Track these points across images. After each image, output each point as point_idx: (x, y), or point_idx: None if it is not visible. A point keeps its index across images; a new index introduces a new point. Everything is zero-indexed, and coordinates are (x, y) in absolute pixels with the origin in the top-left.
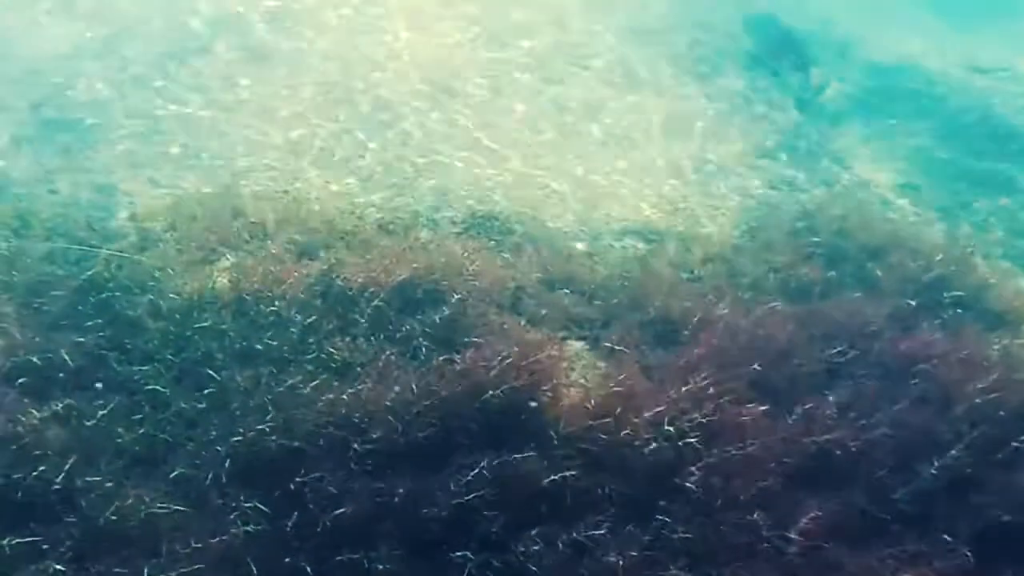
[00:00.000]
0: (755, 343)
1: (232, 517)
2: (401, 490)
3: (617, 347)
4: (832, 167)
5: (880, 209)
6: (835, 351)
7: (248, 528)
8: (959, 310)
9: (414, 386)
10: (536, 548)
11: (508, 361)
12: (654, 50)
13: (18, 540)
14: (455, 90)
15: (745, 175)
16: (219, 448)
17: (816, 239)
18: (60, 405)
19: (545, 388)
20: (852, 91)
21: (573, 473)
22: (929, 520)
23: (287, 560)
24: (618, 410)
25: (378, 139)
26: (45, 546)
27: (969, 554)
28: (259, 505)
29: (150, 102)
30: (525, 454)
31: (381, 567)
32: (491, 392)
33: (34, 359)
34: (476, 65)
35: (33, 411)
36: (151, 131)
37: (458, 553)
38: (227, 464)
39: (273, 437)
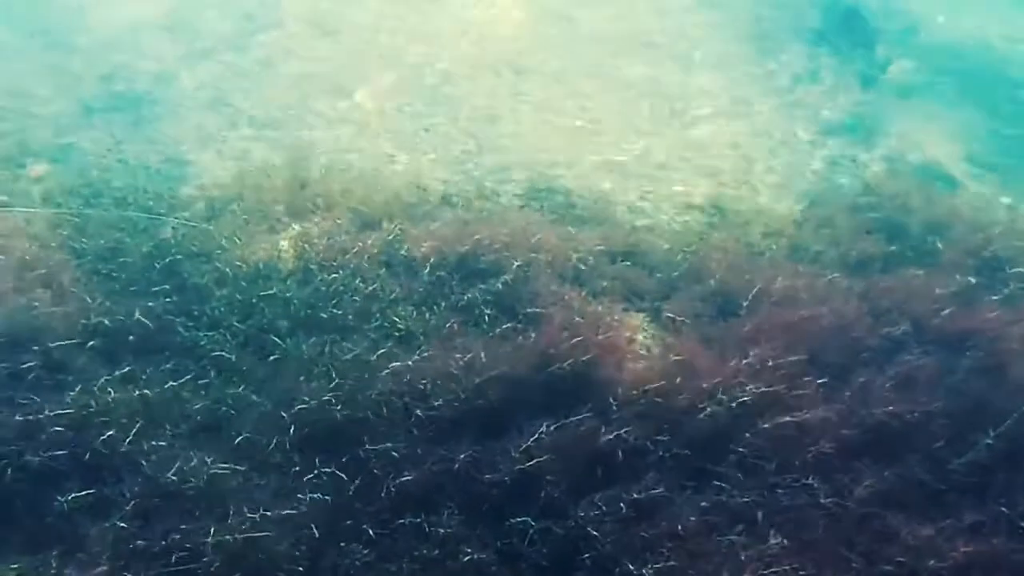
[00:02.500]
0: (814, 316)
1: (295, 481)
2: (463, 456)
3: (677, 319)
4: (895, 143)
5: (943, 185)
6: (894, 325)
7: (312, 493)
8: (1020, 285)
9: (478, 354)
10: (596, 513)
11: (569, 330)
12: (718, 25)
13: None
14: (520, 65)
15: (808, 151)
16: (283, 414)
17: (877, 214)
18: (128, 369)
19: (606, 357)
20: (917, 68)
21: (632, 438)
22: (985, 491)
23: (349, 523)
24: (677, 379)
25: (443, 113)
26: (110, 505)
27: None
28: (323, 470)
29: (218, 74)
30: (585, 419)
31: (442, 532)
32: (553, 361)
33: (105, 322)
34: (541, 41)
35: (104, 375)
36: (219, 103)
37: (519, 519)
38: (291, 430)
39: (337, 404)
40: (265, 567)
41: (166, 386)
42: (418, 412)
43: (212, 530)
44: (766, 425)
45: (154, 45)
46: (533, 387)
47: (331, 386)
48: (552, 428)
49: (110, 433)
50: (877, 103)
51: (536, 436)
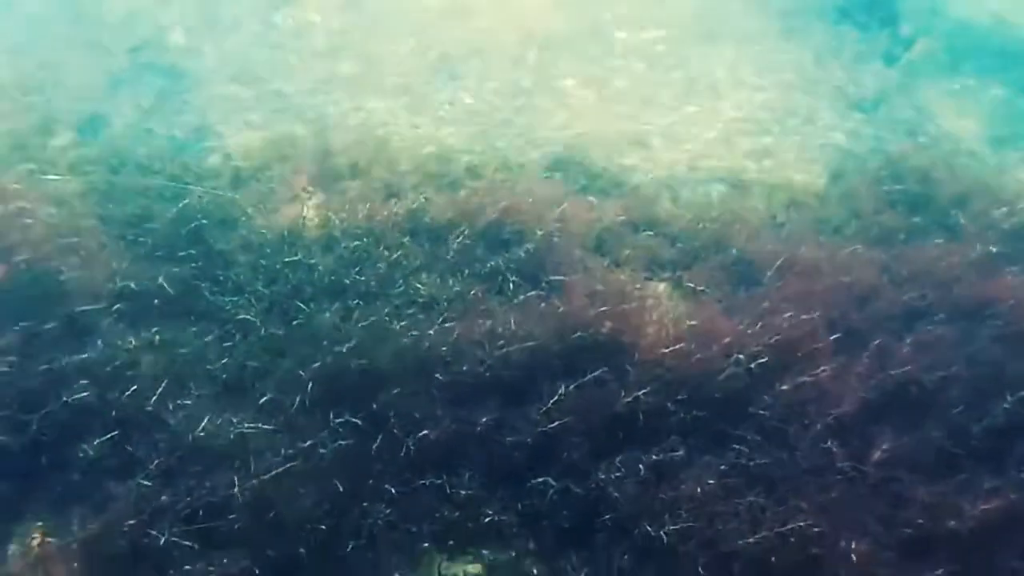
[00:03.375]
0: (835, 285)
1: (318, 440)
2: (485, 419)
3: (699, 288)
4: (918, 119)
5: (965, 159)
6: (914, 294)
7: (334, 453)
8: None
9: (501, 320)
10: (617, 475)
11: (591, 298)
12: (743, 1)
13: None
14: (546, 38)
15: (831, 125)
16: (306, 376)
17: (900, 187)
18: (154, 331)
19: (627, 324)
20: (940, 46)
21: (652, 401)
22: (1004, 456)
23: (371, 483)
24: (696, 344)
25: (469, 84)
26: (135, 462)
27: None
28: (345, 430)
29: (245, 46)
30: (606, 383)
31: (463, 493)
32: (575, 327)
33: (131, 285)
34: (566, 14)
35: (129, 336)
36: (245, 74)
37: (539, 479)
38: (313, 391)
39: (359, 367)
40: (289, 525)
41: (191, 348)
42: (438, 375)
43: (236, 488)
44: (784, 387)
45: (181, 17)
46: (555, 353)
47: (354, 349)
48: (572, 391)
49: (134, 388)
50: (900, 80)
51: (556, 399)
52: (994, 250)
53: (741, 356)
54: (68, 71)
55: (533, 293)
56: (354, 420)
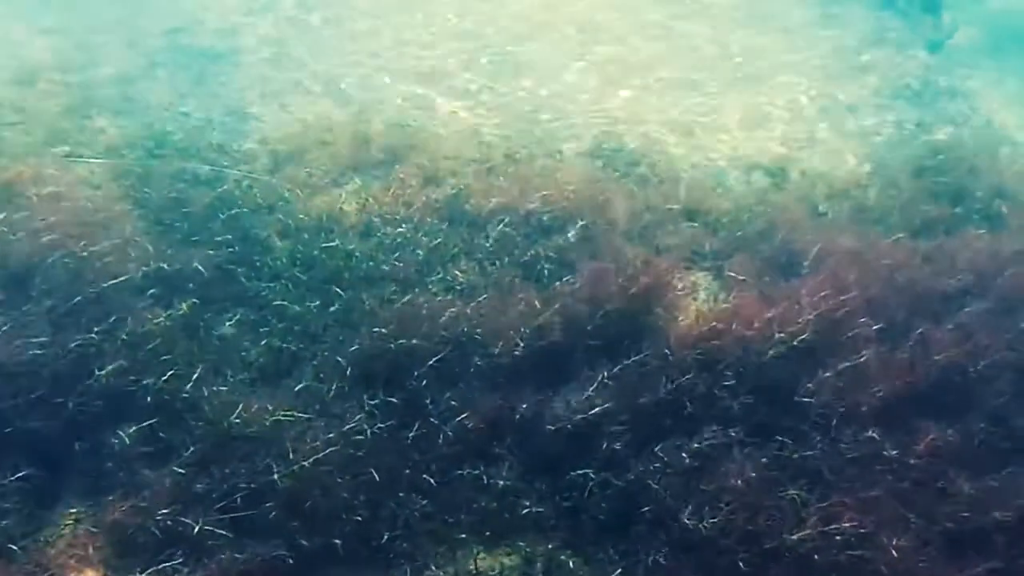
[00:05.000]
0: (877, 275)
1: (355, 428)
2: (523, 405)
3: (740, 277)
4: (961, 108)
5: (1008, 149)
6: (957, 283)
7: (372, 441)
8: None
9: (539, 308)
10: (656, 465)
11: (632, 287)
12: None
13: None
14: (584, 25)
15: (873, 114)
16: (343, 361)
17: (943, 178)
18: (189, 316)
19: (667, 312)
20: (983, 34)
21: (693, 386)
22: None
23: (408, 471)
24: (737, 332)
25: (508, 71)
26: (169, 448)
27: None
28: (382, 416)
29: (283, 31)
30: (646, 370)
31: (501, 483)
32: (614, 316)
33: (165, 267)
34: (605, 1)
35: (163, 319)
36: (283, 58)
37: (578, 472)
38: (350, 376)
39: (397, 352)
40: (324, 515)
41: (227, 333)
42: (477, 362)
43: (273, 476)
44: (828, 373)
45: (219, 1)
46: (594, 340)
47: (391, 334)
48: (612, 377)
49: (170, 373)
50: (943, 68)
51: (596, 385)
52: None
53: (782, 335)
54: (105, 53)
55: (572, 280)
56: (391, 408)
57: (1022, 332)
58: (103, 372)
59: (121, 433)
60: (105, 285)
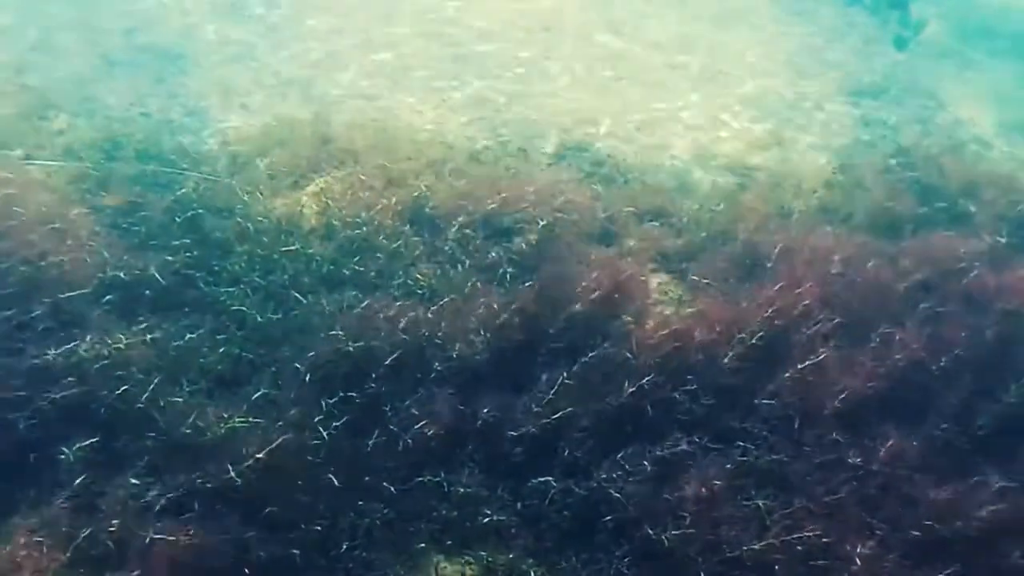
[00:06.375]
0: (840, 275)
1: (314, 435)
2: (484, 410)
3: (704, 280)
4: (928, 105)
5: (975, 148)
6: (922, 283)
7: (330, 448)
8: None
9: (499, 311)
10: (619, 473)
11: (594, 290)
12: None
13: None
14: (550, 24)
15: (840, 112)
16: (301, 367)
17: (909, 175)
18: (146, 324)
19: (630, 314)
20: (951, 30)
21: (656, 390)
22: (1011, 452)
23: (367, 479)
24: (697, 330)
25: (472, 70)
26: (123, 459)
27: None
28: (341, 423)
29: (244, 30)
30: (608, 371)
31: (462, 491)
32: (576, 319)
33: (122, 275)
34: (573, 1)
35: (119, 330)
36: (245, 58)
37: (540, 479)
38: (309, 383)
39: (357, 357)
40: (282, 524)
41: (184, 341)
42: (437, 367)
43: (228, 485)
44: (788, 373)
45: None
46: (555, 344)
47: (351, 340)
48: (573, 381)
49: (126, 388)
50: (911, 65)
51: (557, 388)
52: (1003, 240)
53: (744, 336)
54: (63, 53)
55: (533, 284)
56: (350, 414)
57: (985, 331)
58: (57, 384)
59: (74, 445)
60: (61, 296)
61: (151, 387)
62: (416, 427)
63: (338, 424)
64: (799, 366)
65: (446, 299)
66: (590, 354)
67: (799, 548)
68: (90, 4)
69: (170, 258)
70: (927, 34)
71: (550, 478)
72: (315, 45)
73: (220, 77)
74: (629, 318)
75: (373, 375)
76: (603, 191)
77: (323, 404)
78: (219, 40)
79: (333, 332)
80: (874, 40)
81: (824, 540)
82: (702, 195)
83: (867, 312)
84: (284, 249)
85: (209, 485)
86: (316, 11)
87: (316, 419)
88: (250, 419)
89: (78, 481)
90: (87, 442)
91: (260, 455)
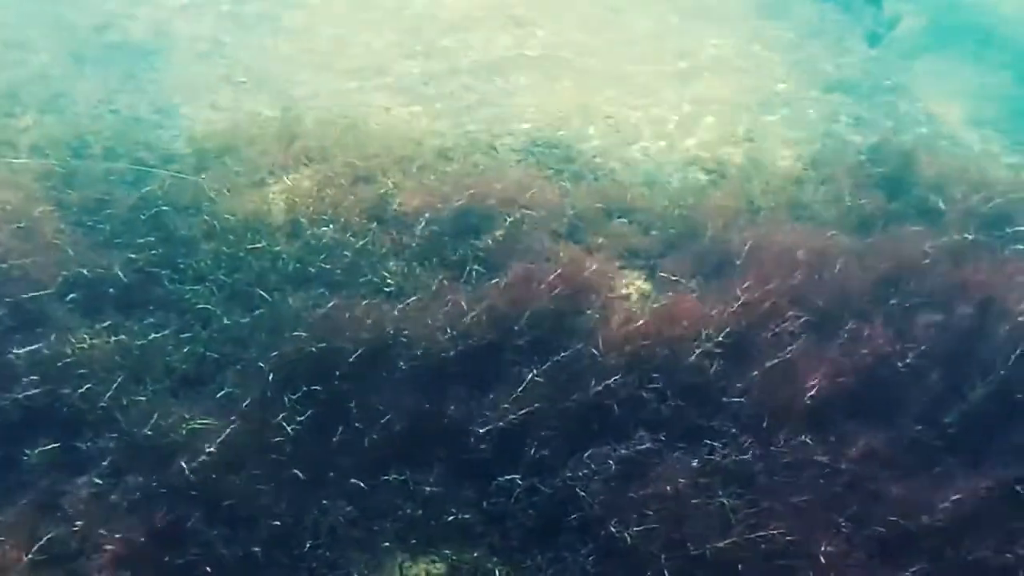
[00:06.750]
0: (809, 271)
1: (277, 433)
2: (450, 408)
3: (672, 277)
4: (900, 101)
5: (947, 144)
6: (890, 279)
7: (295, 446)
8: (1019, 244)
9: (466, 308)
10: (585, 472)
11: (561, 287)
12: None
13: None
14: (520, 18)
15: (812, 108)
16: (267, 365)
17: (880, 171)
18: (110, 323)
19: (597, 313)
20: (925, 26)
21: (623, 388)
22: (975, 448)
23: (332, 476)
24: (665, 328)
25: (442, 66)
26: (87, 459)
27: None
28: (305, 421)
29: (215, 26)
30: (575, 369)
31: (427, 489)
32: (543, 316)
33: (85, 273)
34: None
35: (83, 329)
36: (215, 54)
37: (505, 477)
38: (273, 381)
39: (322, 356)
40: (245, 522)
41: (147, 340)
42: (403, 365)
43: (191, 484)
44: (755, 372)
45: None
46: (522, 341)
47: (317, 338)
48: (540, 378)
49: (89, 387)
50: (883, 61)
51: (524, 386)
52: (970, 237)
53: (710, 331)
54: (33, 50)
55: (500, 281)
56: (315, 412)
57: (953, 327)
58: (19, 384)
59: (37, 444)
60: (24, 296)
61: (114, 386)
62: (381, 424)
63: (302, 420)
64: (767, 364)
65: (413, 297)
66: (560, 354)
67: (763, 546)
68: (60, 1)
69: (135, 256)
70: (900, 30)
71: (516, 476)
72: (286, 42)
73: (190, 74)
74: (597, 315)
75: (338, 374)
76: (572, 188)
77: (287, 403)
78: (190, 37)
79: (299, 331)
80: (847, 36)
81: (789, 538)
82: (672, 192)
83: (835, 308)
84: (250, 247)
85: (172, 483)
86: (287, 8)
87: (279, 416)
88: (213, 419)
89: (41, 481)
90: (50, 444)
91: (217, 451)
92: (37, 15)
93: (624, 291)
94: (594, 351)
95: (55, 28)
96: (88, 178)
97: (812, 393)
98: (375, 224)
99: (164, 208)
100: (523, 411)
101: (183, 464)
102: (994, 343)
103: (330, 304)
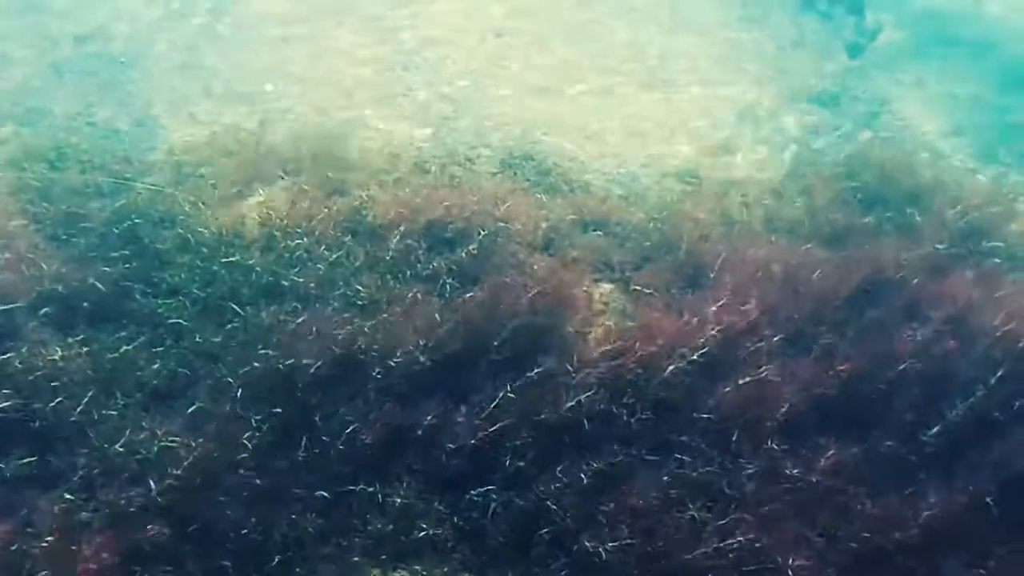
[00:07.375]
0: (784, 284)
1: (246, 446)
2: (424, 421)
3: (647, 290)
4: (880, 113)
5: (926, 156)
6: (864, 293)
7: (265, 453)
8: (996, 259)
9: (440, 322)
10: (557, 486)
11: (535, 300)
12: None
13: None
14: (499, 30)
15: (790, 119)
16: (237, 380)
17: (857, 184)
18: (83, 337)
19: (571, 325)
20: (905, 36)
21: (595, 403)
22: (950, 463)
23: (300, 491)
24: (638, 343)
25: (420, 77)
26: (57, 475)
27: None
28: (274, 435)
29: (195, 38)
30: (548, 384)
31: (398, 502)
32: (517, 329)
33: (59, 288)
34: (522, 6)
35: (55, 343)
36: (194, 66)
37: (477, 491)
38: (243, 396)
39: (293, 370)
40: (213, 537)
41: (119, 354)
42: (376, 376)
43: (156, 500)
44: (728, 388)
45: (130, 6)
46: (496, 355)
47: (287, 351)
48: (514, 393)
49: (60, 400)
50: (863, 72)
51: (497, 401)
52: (947, 251)
53: (685, 350)
54: (11, 62)
55: (474, 295)
56: (284, 426)
57: (925, 343)
58: None
59: (10, 458)
60: None
61: (85, 400)
62: (352, 437)
63: (270, 435)
64: (740, 380)
65: (387, 310)
66: (534, 369)
67: (733, 558)
68: (40, 11)
69: (108, 269)
70: (881, 41)
71: (489, 488)
72: (265, 54)
73: (169, 86)
74: (571, 328)
75: (309, 388)
76: (547, 200)
77: (257, 417)
78: (169, 48)
79: (271, 345)
80: (827, 47)
81: (757, 546)
82: (648, 204)
83: (809, 323)
84: (224, 260)
85: (142, 500)
86: (266, 20)
87: (248, 431)
88: (182, 435)
89: (11, 496)
90: (24, 458)
91: (186, 468)
92: (16, 27)
93: (598, 305)
94: (568, 365)
95: (35, 40)
96: (64, 191)
97: (785, 408)
98: (349, 237)
99: (139, 221)
100: (495, 426)
101: (153, 479)
102: (971, 358)
103: (300, 319)
